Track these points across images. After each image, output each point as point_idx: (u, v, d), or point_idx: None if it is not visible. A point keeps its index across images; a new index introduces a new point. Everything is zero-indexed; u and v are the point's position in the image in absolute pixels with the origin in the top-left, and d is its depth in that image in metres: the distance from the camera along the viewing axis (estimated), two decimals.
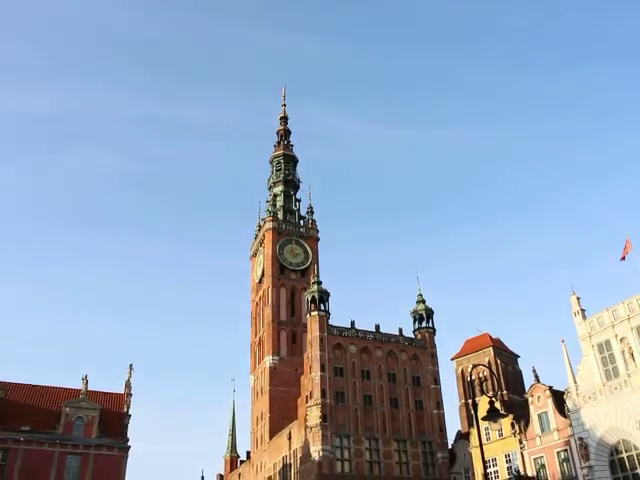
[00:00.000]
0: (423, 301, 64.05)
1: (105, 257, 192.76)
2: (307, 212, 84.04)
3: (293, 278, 76.50)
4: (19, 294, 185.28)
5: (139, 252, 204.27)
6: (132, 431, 48.48)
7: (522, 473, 44.57)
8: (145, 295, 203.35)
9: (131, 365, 49.87)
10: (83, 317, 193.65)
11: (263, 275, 77.05)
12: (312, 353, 57.50)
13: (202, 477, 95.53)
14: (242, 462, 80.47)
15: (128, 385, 49.25)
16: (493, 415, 13.98)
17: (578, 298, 45.63)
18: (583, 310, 44.96)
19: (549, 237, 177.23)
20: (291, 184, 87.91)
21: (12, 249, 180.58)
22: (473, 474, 51.02)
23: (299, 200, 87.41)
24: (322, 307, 59.51)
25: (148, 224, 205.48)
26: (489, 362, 69.47)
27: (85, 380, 46.69)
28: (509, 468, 47.05)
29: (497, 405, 18.94)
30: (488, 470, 47.96)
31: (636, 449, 40.34)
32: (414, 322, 63.73)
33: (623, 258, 42.71)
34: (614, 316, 42.56)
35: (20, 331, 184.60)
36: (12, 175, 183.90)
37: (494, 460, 48.45)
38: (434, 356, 62.27)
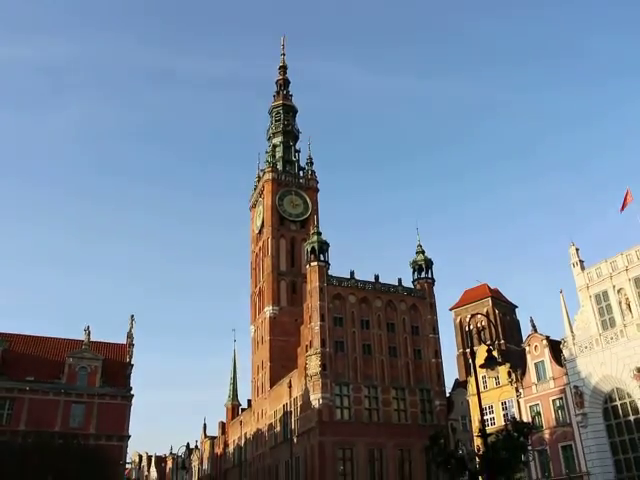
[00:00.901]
0: (422, 252, 64.06)
1: (106, 204, 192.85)
2: (307, 163, 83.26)
3: (293, 229, 76.44)
4: (19, 245, 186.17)
5: (140, 199, 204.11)
6: (135, 381, 49.39)
7: (518, 419, 45.55)
8: (145, 248, 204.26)
9: (132, 316, 50.47)
10: (84, 270, 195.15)
11: (263, 226, 76.99)
12: (312, 303, 57.87)
13: (204, 424, 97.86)
14: (243, 410, 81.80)
15: (130, 336, 49.95)
16: (491, 362, 14.07)
17: (577, 249, 45.75)
18: (582, 261, 45.15)
19: (546, 184, 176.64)
20: (290, 135, 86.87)
21: (12, 191, 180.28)
22: (470, 421, 52.05)
23: (298, 151, 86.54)
24: (322, 258, 59.59)
25: (148, 174, 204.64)
26: (487, 312, 69.98)
27: (87, 331, 47.32)
28: (505, 415, 48.00)
29: (495, 353, 19.10)
30: (485, 417, 48.90)
31: (629, 397, 41.13)
32: (413, 273, 63.91)
33: (622, 210, 42.54)
34: (612, 267, 42.75)
35: (22, 283, 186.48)
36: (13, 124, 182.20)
37: (491, 408, 49.38)
38: (433, 306, 62.62)
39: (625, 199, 42.18)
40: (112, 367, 46.90)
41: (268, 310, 71.09)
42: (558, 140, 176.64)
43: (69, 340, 49.09)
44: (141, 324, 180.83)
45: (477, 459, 10.81)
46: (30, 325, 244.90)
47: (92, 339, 48.12)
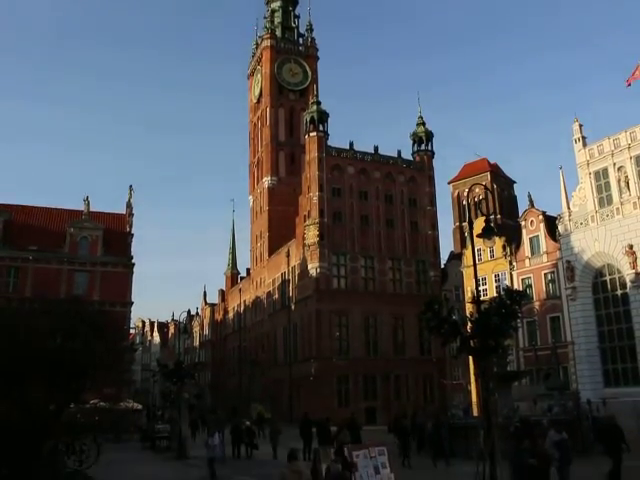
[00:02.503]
0: (423, 123, 63.07)
1: (105, 73, 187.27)
2: (306, 30, 79.46)
3: (292, 98, 74.56)
4: (17, 107, 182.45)
5: (138, 68, 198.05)
6: (135, 250, 50.10)
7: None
8: (143, 118, 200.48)
9: (131, 186, 50.37)
10: (83, 138, 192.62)
11: (261, 95, 75.13)
12: (310, 174, 57.75)
13: (204, 292, 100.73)
14: (242, 278, 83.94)
15: (129, 205, 50.07)
16: (488, 232, 14.17)
17: (580, 125, 44.96)
18: (584, 137, 44.53)
19: (550, 61, 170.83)
20: None
21: (11, 68, 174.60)
22: (463, 292, 53.55)
23: (298, 17, 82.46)
24: (321, 128, 58.73)
25: (147, 40, 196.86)
26: (485, 186, 69.94)
27: (87, 201, 47.36)
28: (497, 287, 49.32)
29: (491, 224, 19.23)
30: (478, 288, 50.26)
31: (619, 273, 42.19)
32: (413, 145, 63.32)
33: (629, 84, 41.31)
34: (614, 144, 42.25)
35: (22, 153, 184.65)
36: None
37: (484, 279, 50.59)
38: (431, 178, 62.65)
39: (633, 73, 40.85)
40: (113, 237, 47.36)
41: (267, 180, 71.04)
42: (562, 15, 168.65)
43: (69, 210, 49.11)
44: (141, 197, 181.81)
45: (469, 324, 11.25)
46: (30, 198, 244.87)
47: (92, 209, 48.27)
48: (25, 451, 12.44)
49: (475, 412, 32.88)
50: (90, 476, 11.55)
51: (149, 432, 32.97)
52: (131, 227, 49.15)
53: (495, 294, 49.20)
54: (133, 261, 47.40)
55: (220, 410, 56.61)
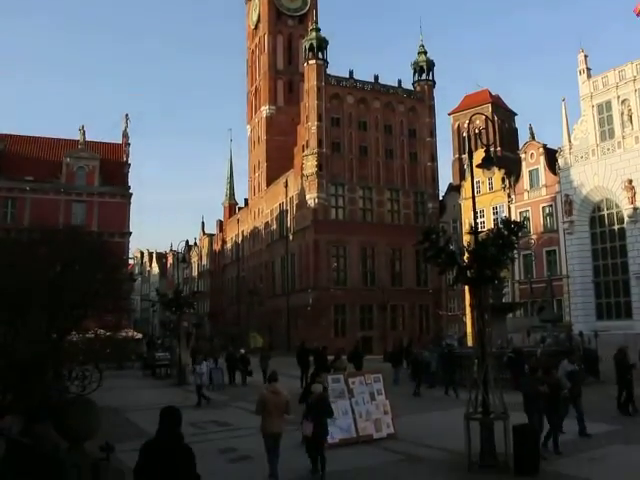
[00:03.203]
0: (424, 52, 61.66)
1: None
2: None
3: (290, 25, 72.33)
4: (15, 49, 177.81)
5: None
6: (133, 181, 49.86)
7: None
8: (141, 46, 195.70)
9: (126, 115, 49.44)
10: (78, 63, 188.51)
11: (259, 21, 72.87)
12: (309, 103, 56.86)
13: (202, 223, 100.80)
14: (240, 209, 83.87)
15: (125, 135, 49.33)
16: (487, 162, 14.09)
17: (585, 56, 43.98)
18: (589, 69, 43.66)
19: None
20: None
21: None
22: (461, 224, 53.66)
23: None
24: (320, 56, 57.41)
25: None
26: (486, 120, 69.24)
27: (82, 131, 46.67)
28: (495, 220, 49.39)
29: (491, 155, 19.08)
30: (476, 220, 50.33)
31: (617, 208, 42.24)
32: (414, 74, 62.10)
33: (638, 13, 40.20)
34: (620, 76, 41.46)
35: (16, 78, 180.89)
36: None
37: (482, 212, 50.55)
38: (432, 109, 61.79)
39: None
40: (110, 167, 46.85)
41: (264, 110, 69.92)
42: None
43: (65, 140, 48.35)
44: (138, 129, 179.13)
45: (466, 254, 11.29)
46: (24, 128, 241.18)
47: (87, 139, 47.66)
48: (29, 377, 12.70)
49: (469, 343, 33.51)
50: (93, 401, 11.83)
51: (149, 360, 33.64)
52: (128, 157, 48.64)
53: (493, 226, 49.44)
54: (131, 191, 47.16)
55: (217, 339, 57.74)
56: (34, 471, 4.64)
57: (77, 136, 47.10)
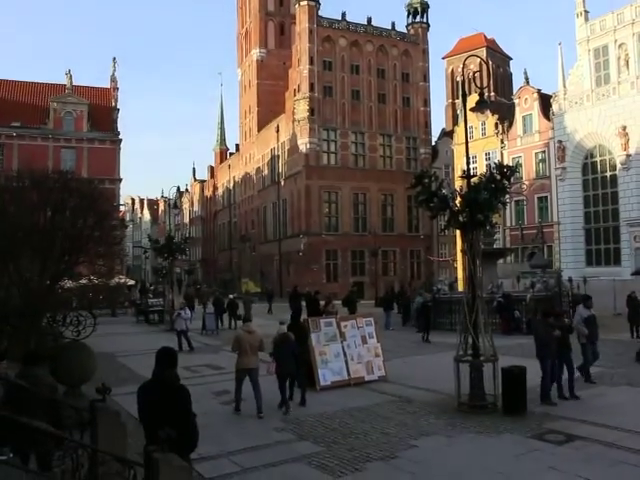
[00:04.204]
0: None
1: None
2: None
3: None
4: None
5: None
6: (123, 127, 49.19)
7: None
8: None
9: (114, 58, 48.46)
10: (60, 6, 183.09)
11: None
12: (300, 45, 55.79)
13: (193, 168, 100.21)
14: (231, 154, 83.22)
15: (113, 79, 48.34)
16: (481, 105, 13.95)
17: None
18: (586, 12, 42.86)
19: None
20: None
21: None
22: (453, 170, 53.56)
23: None
24: None
25: None
26: (480, 63, 68.31)
27: (69, 75, 45.63)
28: (488, 165, 49.25)
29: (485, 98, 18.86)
30: (469, 165, 50.18)
31: (610, 154, 42.15)
32: (408, 16, 60.84)
33: None
34: (618, 20, 40.73)
35: None
36: None
37: (474, 158, 50.24)
38: (425, 52, 60.79)
39: None
40: (98, 112, 46.08)
41: (255, 53, 68.58)
42: None
43: (52, 84, 47.26)
44: (127, 74, 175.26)
45: (458, 199, 11.29)
46: (8, 73, 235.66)
47: (75, 83, 46.68)
48: (23, 323, 12.77)
49: (460, 288, 33.89)
50: (88, 345, 11.94)
51: (143, 306, 33.87)
52: (116, 102, 47.81)
53: (485, 171, 49.33)
54: (120, 137, 46.55)
55: (205, 285, 58.19)
56: (33, 411, 4.71)
57: (64, 81, 46.12)
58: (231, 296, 29.64)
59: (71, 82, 45.84)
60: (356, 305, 26.68)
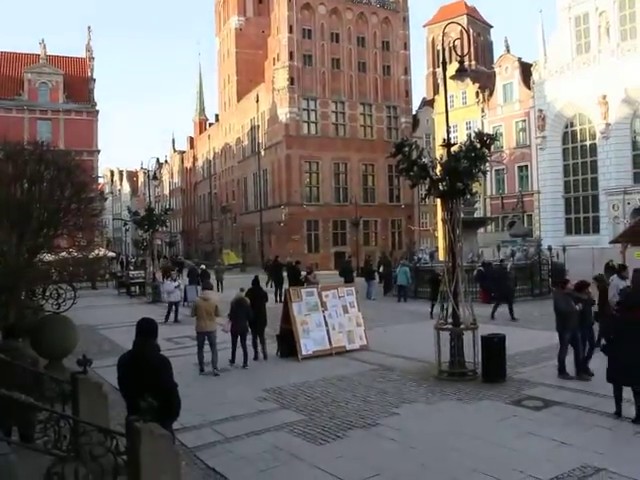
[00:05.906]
0: None
1: None
2: None
3: None
4: None
5: None
6: (99, 96, 48.37)
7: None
8: None
9: (89, 27, 47.51)
10: None
11: None
12: (279, 13, 55.00)
13: (173, 140, 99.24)
14: (211, 125, 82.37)
15: (89, 49, 47.41)
16: (461, 73, 13.93)
17: None
18: None
19: None
20: None
21: None
22: (434, 139, 53.48)
23: None
24: None
25: None
26: (461, 31, 67.90)
27: (43, 44, 44.63)
28: (468, 135, 49.27)
29: (466, 65, 18.82)
30: (449, 135, 50.19)
31: (589, 123, 42.33)
32: None
33: None
34: None
35: None
36: None
37: (455, 127, 50.28)
38: (406, 20, 60.26)
39: None
40: (74, 82, 45.26)
41: (234, 21, 67.55)
42: None
43: (26, 54, 46.21)
44: (102, 43, 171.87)
45: (439, 167, 11.29)
46: None
47: (49, 54, 45.69)
48: (2, 297, 12.65)
49: (441, 257, 34.04)
50: (68, 318, 11.89)
51: (124, 278, 33.72)
52: (92, 72, 46.93)
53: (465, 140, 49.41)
54: (97, 108, 45.83)
55: (173, 257, 58.14)
56: (14, 384, 4.68)
57: (38, 51, 45.09)
58: (202, 266, 29.79)
59: (45, 52, 44.90)
60: (353, 275, 26.70)
